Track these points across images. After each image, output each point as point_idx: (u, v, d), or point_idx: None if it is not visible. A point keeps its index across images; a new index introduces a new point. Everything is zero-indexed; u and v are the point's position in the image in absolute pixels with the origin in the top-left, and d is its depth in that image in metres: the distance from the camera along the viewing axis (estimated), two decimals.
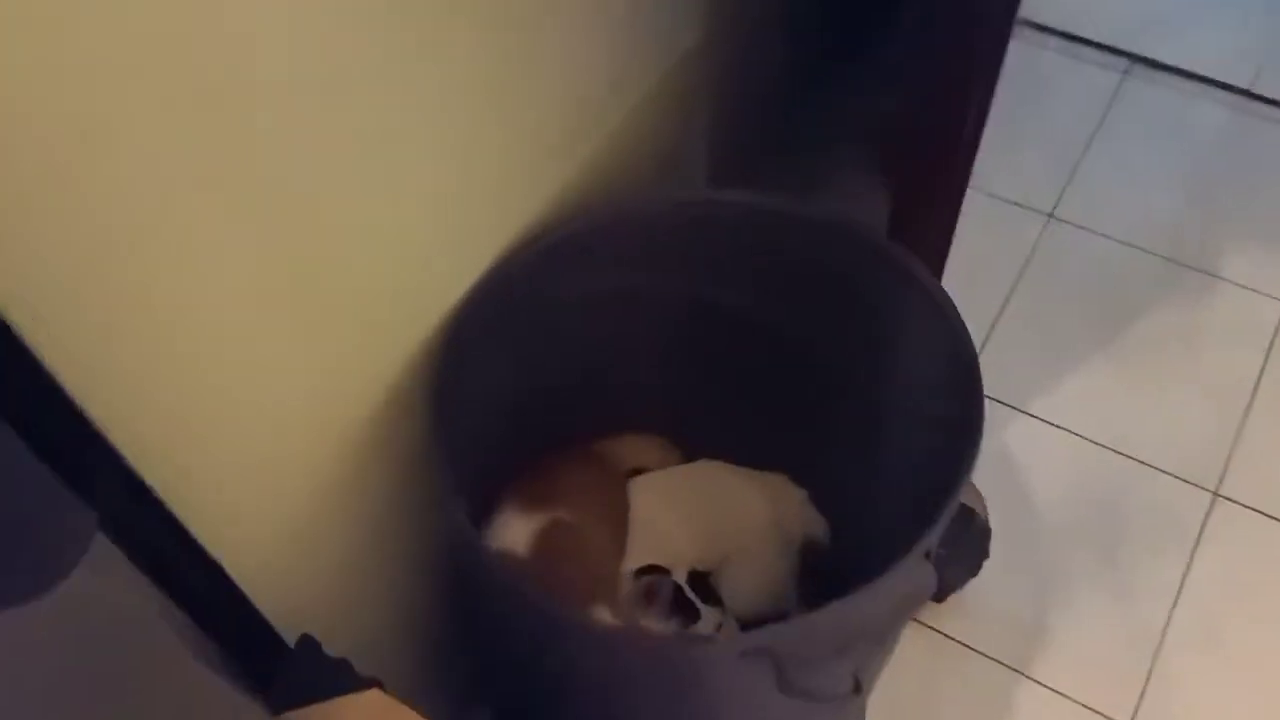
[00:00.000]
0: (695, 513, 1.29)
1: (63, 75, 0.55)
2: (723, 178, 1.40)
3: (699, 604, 1.16)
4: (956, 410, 0.97)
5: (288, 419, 0.85)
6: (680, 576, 1.21)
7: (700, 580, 1.23)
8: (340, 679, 0.86)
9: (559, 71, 0.98)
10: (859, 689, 0.87)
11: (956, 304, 1.01)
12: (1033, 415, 1.65)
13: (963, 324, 0.99)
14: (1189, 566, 1.51)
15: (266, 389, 0.80)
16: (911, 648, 1.44)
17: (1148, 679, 1.42)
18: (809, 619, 0.79)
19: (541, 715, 1.10)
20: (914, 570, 0.85)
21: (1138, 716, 1.39)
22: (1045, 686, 1.42)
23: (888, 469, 1.17)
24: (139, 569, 0.68)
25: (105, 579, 0.55)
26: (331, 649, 0.99)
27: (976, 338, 1.69)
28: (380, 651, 1.11)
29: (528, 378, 1.12)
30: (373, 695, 0.85)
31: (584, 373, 1.18)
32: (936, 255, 1.23)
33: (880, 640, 0.86)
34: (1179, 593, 1.49)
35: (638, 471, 1.31)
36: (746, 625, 1.24)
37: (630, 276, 1.12)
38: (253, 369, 0.78)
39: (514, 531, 1.13)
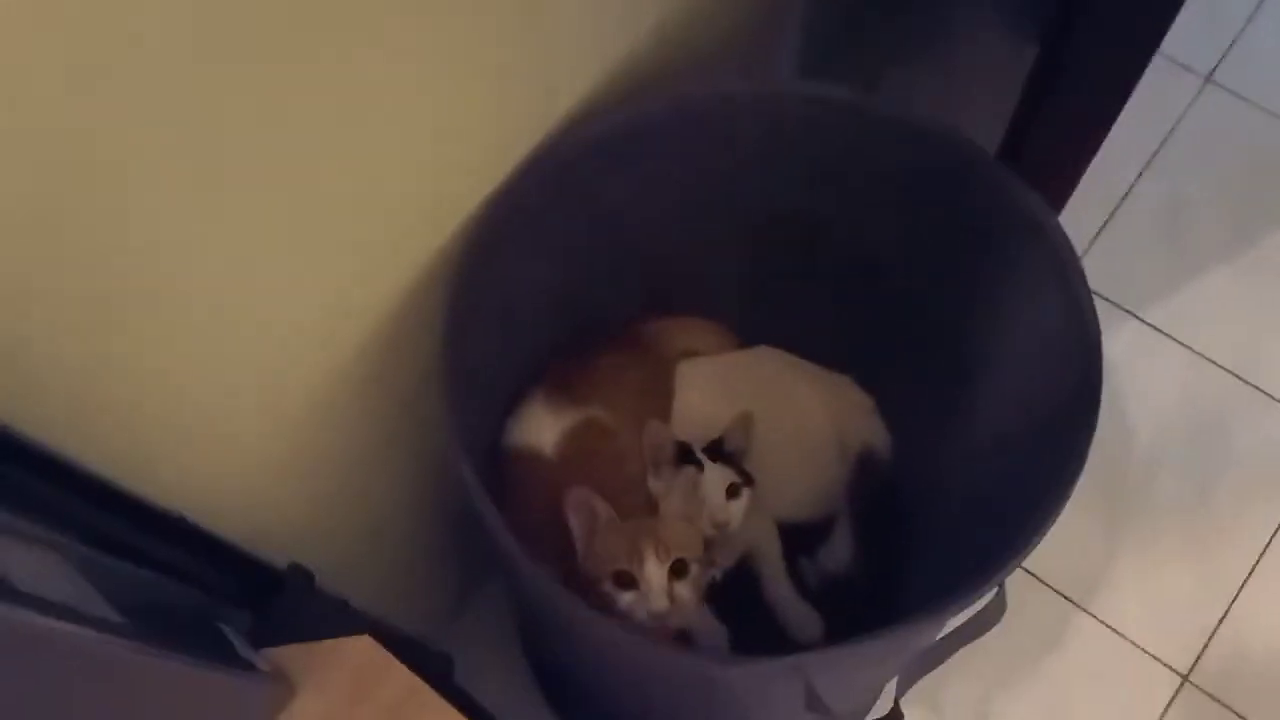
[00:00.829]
0: (745, 402, 1.18)
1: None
2: (818, 53, 1.18)
3: (704, 459, 1.07)
4: (1066, 388, 0.83)
5: (295, 326, 0.76)
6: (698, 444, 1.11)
7: (717, 445, 1.12)
8: (330, 620, 0.81)
9: None
10: (898, 716, 0.78)
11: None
12: (1144, 320, 1.48)
13: (1088, 293, 0.83)
14: None
15: (269, 297, 0.72)
16: None
17: (1214, 631, 1.32)
18: (856, 648, 0.69)
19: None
20: (982, 602, 0.73)
21: (1196, 669, 1.29)
22: (1103, 623, 1.32)
23: (970, 412, 1.05)
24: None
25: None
26: (336, 545, 0.95)
27: (1097, 219, 1.52)
28: (382, 541, 1.05)
29: (574, 274, 1.00)
30: (361, 643, 0.80)
31: (636, 273, 1.05)
32: (1096, 128, 0.99)
33: (928, 668, 0.76)
34: (1269, 542, 1.36)
35: (690, 356, 1.19)
36: (789, 531, 1.16)
37: (694, 176, 0.96)
38: (255, 279, 0.69)
39: (542, 429, 1.04)
